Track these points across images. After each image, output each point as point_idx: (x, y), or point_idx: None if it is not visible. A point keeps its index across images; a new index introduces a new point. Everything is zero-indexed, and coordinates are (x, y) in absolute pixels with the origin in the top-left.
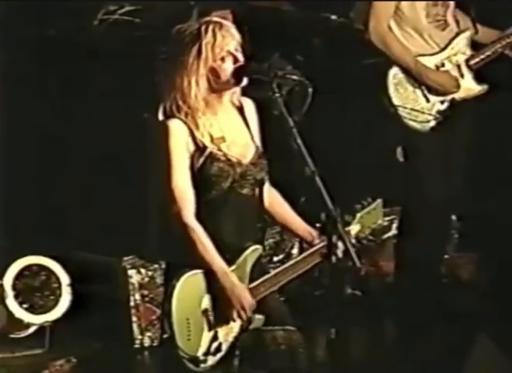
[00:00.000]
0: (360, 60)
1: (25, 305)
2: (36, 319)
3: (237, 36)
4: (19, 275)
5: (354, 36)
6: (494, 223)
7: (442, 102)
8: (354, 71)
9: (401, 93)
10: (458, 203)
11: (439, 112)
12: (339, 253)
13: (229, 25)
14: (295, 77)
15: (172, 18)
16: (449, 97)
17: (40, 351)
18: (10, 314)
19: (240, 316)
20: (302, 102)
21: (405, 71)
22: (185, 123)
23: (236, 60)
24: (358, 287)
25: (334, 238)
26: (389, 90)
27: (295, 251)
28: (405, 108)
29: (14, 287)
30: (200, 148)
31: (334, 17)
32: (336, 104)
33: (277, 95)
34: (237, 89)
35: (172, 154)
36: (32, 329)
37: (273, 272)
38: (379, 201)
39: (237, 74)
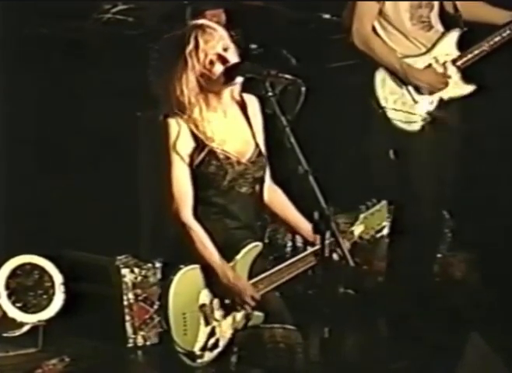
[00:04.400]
0: (352, 59)
1: (18, 304)
2: (30, 318)
3: (224, 35)
4: (12, 274)
5: (346, 35)
6: (487, 222)
7: (430, 103)
8: (346, 69)
9: (389, 95)
10: (451, 202)
11: (427, 112)
12: (336, 256)
13: (212, 26)
14: (288, 76)
15: (165, 17)
16: (437, 97)
17: (33, 350)
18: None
19: (244, 310)
20: (295, 101)
21: (391, 72)
22: (185, 120)
23: (225, 60)
24: (351, 286)
25: (327, 237)
26: (377, 92)
27: (288, 250)
28: (393, 109)
29: (7, 287)
30: (200, 145)
31: (327, 16)
32: (328, 103)
33: (270, 94)
34: (236, 85)
35: (172, 151)
36: (25, 329)
37: (273, 269)
38: (384, 203)
39: (229, 74)
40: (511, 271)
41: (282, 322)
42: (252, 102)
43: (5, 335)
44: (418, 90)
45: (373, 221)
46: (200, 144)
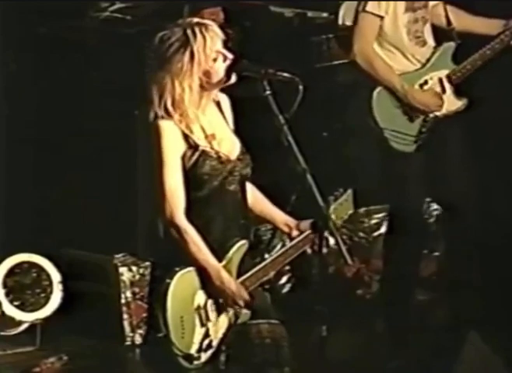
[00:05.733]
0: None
1: (16, 303)
2: (27, 317)
3: (221, 33)
4: (10, 272)
5: (344, 34)
6: (487, 222)
7: (425, 121)
8: (344, 69)
9: (386, 115)
10: (451, 202)
11: (423, 130)
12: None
13: (212, 24)
14: (286, 74)
15: (163, 15)
16: (432, 115)
17: (31, 349)
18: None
19: (234, 312)
20: (293, 99)
21: (391, 91)
22: (176, 123)
23: (225, 58)
24: (348, 284)
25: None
26: (374, 112)
27: None
28: (390, 130)
29: (5, 285)
30: (192, 147)
31: (325, 15)
32: (327, 102)
33: (268, 92)
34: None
35: (164, 155)
36: (23, 327)
37: (258, 267)
38: (349, 192)
39: (228, 72)
40: (511, 271)
41: (267, 317)
42: (224, 100)
43: (2, 333)
44: (414, 109)
45: (342, 211)
46: (192, 145)
